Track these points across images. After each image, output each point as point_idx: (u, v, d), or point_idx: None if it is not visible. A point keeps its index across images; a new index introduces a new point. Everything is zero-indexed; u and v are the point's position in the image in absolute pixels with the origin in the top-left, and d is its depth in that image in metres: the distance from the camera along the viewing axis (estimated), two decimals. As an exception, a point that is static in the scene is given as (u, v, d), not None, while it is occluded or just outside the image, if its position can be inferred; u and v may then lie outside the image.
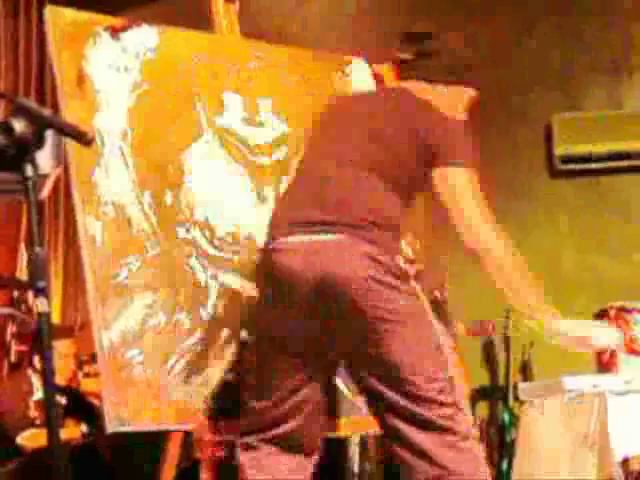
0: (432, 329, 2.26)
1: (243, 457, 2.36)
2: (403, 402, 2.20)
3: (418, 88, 2.45)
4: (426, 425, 2.19)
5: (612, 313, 3.48)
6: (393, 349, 2.20)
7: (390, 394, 2.21)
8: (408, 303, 2.24)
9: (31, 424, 3.83)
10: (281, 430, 2.32)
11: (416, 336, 2.23)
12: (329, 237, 2.24)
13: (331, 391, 2.43)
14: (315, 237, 2.24)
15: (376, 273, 2.20)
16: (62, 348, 3.99)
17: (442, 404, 2.20)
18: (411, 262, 2.34)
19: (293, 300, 2.25)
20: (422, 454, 2.19)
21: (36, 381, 3.86)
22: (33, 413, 3.85)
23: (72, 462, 3.65)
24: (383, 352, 2.20)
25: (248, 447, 2.36)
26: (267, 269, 2.31)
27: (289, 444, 2.34)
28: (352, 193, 2.29)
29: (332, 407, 2.47)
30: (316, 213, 2.27)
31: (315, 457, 2.38)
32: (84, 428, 3.91)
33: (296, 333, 2.27)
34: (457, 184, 2.27)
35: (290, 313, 2.26)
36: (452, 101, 2.44)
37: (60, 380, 3.92)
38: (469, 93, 2.51)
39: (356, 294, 2.19)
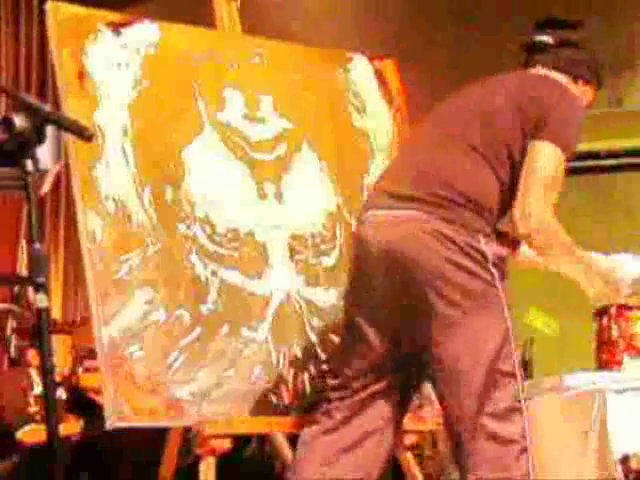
0: (503, 320, 2.21)
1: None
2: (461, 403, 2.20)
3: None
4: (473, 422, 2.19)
5: (613, 310, 3.47)
6: (457, 337, 2.17)
7: (446, 392, 2.22)
8: (483, 290, 2.18)
9: (31, 419, 3.83)
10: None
11: (484, 326, 2.18)
12: (404, 212, 2.22)
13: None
14: (389, 212, 2.25)
15: (449, 254, 2.16)
16: (57, 343, 3.98)
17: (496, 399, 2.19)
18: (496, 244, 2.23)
19: (368, 273, 2.28)
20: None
21: (35, 376, 3.86)
22: (33, 408, 3.85)
23: (72, 458, 3.66)
24: (446, 339, 2.17)
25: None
26: (353, 241, 2.40)
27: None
28: (435, 169, 2.26)
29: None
30: (395, 188, 2.29)
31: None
32: (84, 424, 3.91)
33: (369, 308, 2.30)
34: (536, 158, 2.22)
35: (367, 286, 2.29)
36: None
37: (55, 376, 3.91)
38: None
39: (424, 273, 2.16)
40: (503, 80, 2.42)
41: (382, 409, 2.35)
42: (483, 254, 2.20)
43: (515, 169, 2.28)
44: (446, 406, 2.26)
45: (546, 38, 2.46)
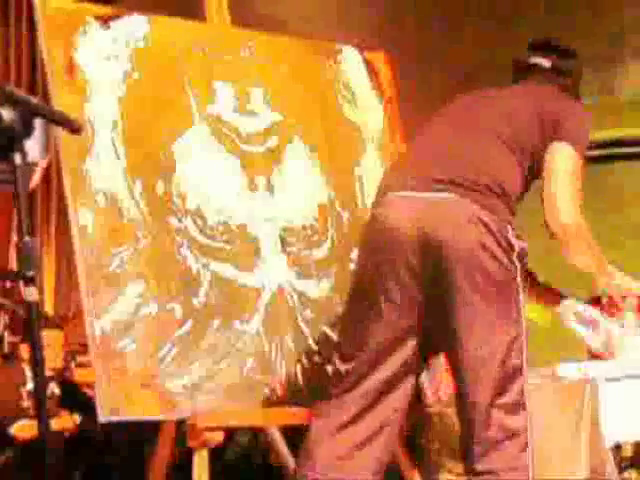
0: (519, 314, 2.27)
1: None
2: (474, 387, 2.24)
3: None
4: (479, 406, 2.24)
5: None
6: (478, 324, 2.22)
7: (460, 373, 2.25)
8: (506, 281, 2.23)
9: (24, 415, 3.82)
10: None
11: (502, 316, 2.24)
12: (441, 195, 2.26)
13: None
14: (426, 194, 2.27)
15: (484, 239, 2.21)
16: (48, 339, 3.98)
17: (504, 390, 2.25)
18: (518, 237, 2.29)
19: (393, 253, 2.26)
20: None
21: (29, 372, 3.85)
22: (26, 403, 3.85)
23: (66, 452, 3.66)
24: (469, 325, 2.22)
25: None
26: (373, 221, 2.34)
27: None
28: (471, 157, 2.31)
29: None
30: (430, 172, 2.30)
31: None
32: (78, 419, 3.91)
33: (391, 287, 2.28)
34: (557, 159, 2.33)
35: (390, 265, 2.27)
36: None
37: (47, 371, 3.91)
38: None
39: (458, 255, 2.20)
40: (518, 89, 2.54)
41: (395, 399, 2.36)
42: (511, 245, 2.26)
43: (532, 167, 2.37)
44: (462, 392, 2.29)
45: (543, 61, 2.56)
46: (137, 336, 2.50)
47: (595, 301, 3.63)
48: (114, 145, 2.63)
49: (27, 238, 1.61)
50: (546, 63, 2.55)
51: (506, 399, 2.26)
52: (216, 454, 2.59)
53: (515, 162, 2.35)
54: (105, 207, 2.55)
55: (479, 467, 2.25)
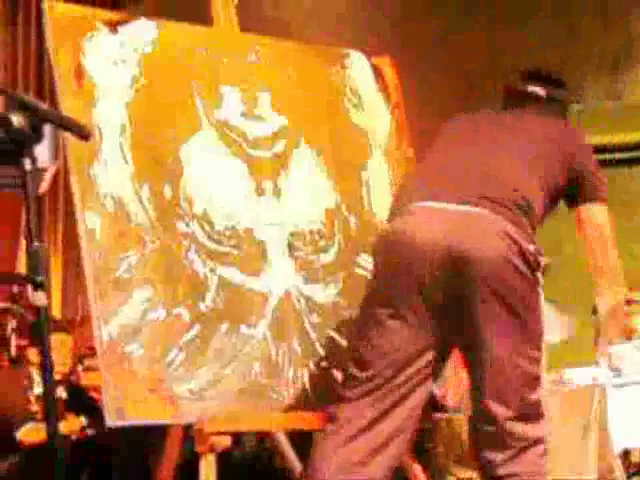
0: (540, 326, 2.34)
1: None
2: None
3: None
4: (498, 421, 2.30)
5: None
6: (503, 336, 2.27)
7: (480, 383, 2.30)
8: (530, 295, 2.30)
9: (32, 418, 3.83)
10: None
11: (522, 329, 2.30)
12: (473, 209, 2.31)
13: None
14: (459, 207, 2.31)
15: (511, 255, 2.26)
16: (56, 343, 3.98)
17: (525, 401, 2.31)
18: (540, 254, 2.39)
19: (419, 264, 2.28)
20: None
21: (36, 375, 3.86)
22: (34, 407, 3.86)
23: (73, 455, 3.66)
24: (493, 338, 2.27)
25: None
26: (396, 231, 2.36)
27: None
28: (502, 175, 2.38)
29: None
30: (462, 186, 2.34)
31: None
32: (85, 422, 3.91)
33: (415, 299, 2.30)
34: (602, 222, 2.57)
35: (410, 279, 2.29)
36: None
37: (55, 375, 3.91)
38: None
39: (485, 269, 2.25)
40: (531, 118, 2.60)
41: (410, 405, 2.37)
42: (537, 261, 2.33)
43: (552, 195, 2.48)
44: (482, 404, 2.33)
45: (538, 90, 2.63)
46: (144, 341, 2.50)
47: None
48: (122, 150, 2.63)
49: (36, 243, 1.62)
50: (541, 92, 2.64)
51: (528, 410, 2.32)
52: (222, 457, 2.59)
53: (540, 186, 2.43)
54: (113, 211, 2.56)
55: (500, 471, 2.32)
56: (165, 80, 2.76)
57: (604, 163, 4.93)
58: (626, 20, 4.95)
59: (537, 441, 2.33)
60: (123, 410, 2.42)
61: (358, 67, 3.16)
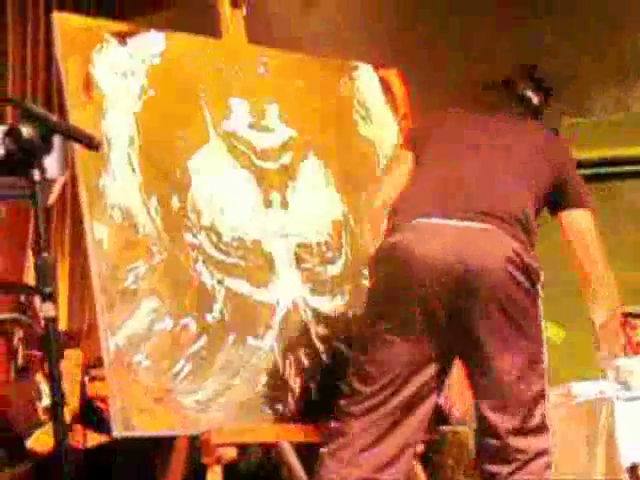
0: (541, 340, 2.36)
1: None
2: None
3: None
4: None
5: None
6: (508, 351, 2.28)
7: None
8: (531, 308, 2.32)
9: (39, 426, 3.83)
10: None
11: (524, 342, 2.31)
12: (479, 225, 2.32)
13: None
14: (457, 223, 2.32)
15: (513, 269, 2.28)
16: (68, 360, 3.98)
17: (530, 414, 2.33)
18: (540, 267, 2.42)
19: (423, 280, 2.28)
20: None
21: (45, 387, 3.85)
22: (42, 418, 3.86)
23: (79, 466, 3.66)
24: (498, 352, 2.28)
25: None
26: (397, 246, 2.35)
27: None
28: (502, 190, 2.40)
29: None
30: (461, 202, 2.35)
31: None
32: (91, 433, 3.91)
33: (419, 315, 2.31)
34: (585, 228, 2.54)
35: (414, 295, 2.29)
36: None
37: (72, 399, 3.90)
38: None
39: (487, 283, 2.26)
40: (523, 127, 2.62)
41: (416, 419, 2.37)
42: (538, 275, 2.35)
43: (540, 203, 2.50)
44: (486, 418, 2.32)
45: (532, 96, 2.69)
46: (151, 352, 2.50)
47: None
48: (130, 161, 2.64)
49: (44, 254, 1.62)
50: (535, 99, 2.68)
51: (532, 423, 2.32)
52: (228, 468, 2.59)
53: (532, 199, 2.44)
54: (120, 222, 2.56)
55: None
56: (173, 91, 2.77)
57: (612, 176, 4.94)
58: (635, 32, 4.95)
59: (541, 453, 2.33)
60: (130, 421, 2.42)
61: (366, 79, 3.17)
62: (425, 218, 2.36)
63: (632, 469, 2.86)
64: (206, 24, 3.13)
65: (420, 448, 2.80)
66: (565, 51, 5.06)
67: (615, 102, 4.99)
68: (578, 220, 2.54)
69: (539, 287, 2.37)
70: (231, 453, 2.50)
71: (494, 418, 2.30)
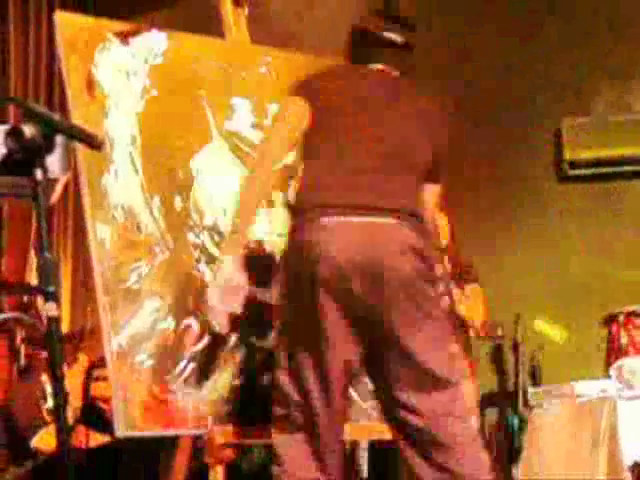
0: (444, 320, 2.38)
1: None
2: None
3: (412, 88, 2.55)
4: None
5: (621, 318, 3.47)
6: (423, 340, 2.30)
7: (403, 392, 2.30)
8: (433, 294, 2.34)
9: (44, 425, 3.83)
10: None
11: (437, 338, 2.33)
12: (382, 220, 2.32)
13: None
14: (367, 219, 2.31)
15: (419, 264, 2.30)
16: (78, 365, 3.97)
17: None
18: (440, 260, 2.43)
19: (335, 282, 2.27)
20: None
21: (50, 388, 3.85)
22: (47, 417, 3.86)
23: (82, 466, 3.66)
24: (413, 341, 2.29)
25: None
26: (305, 245, 2.31)
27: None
28: (397, 184, 2.38)
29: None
30: (367, 198, 2.33)
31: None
32: (94, 433, 3.91)
33: (335, 318, 2.29)
34: (437, 200, 2.59)
35: (327, 298, 2.28)
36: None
37: (76, 399, 3.90)
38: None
39: (398, 279, 2.27)
40: (402, 93, 2.51)
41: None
42: (434, 264, 2.38)
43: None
44: (399, 395, 2.32)
45: (395, 37, 2.51)
46: (154, 352, 2.50)
47: (612, 319, 3.61)
48: (132, 160, 2.64)
49: (47, 254, 1.62)
50: (399, 39, 2.52)
51: (446, 396, 2.32)
52: (230, 468, 2.58)
53: (420, 183, 2.46)
54: (123, 222, 2.56)
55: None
56: (176, 91, 2.77)
57: (612, 176, 4.94)
58: (637, 31, 4.95)
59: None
60: (133, 421, 2.42)
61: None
62: (330, 217, 2.32)
63: (634, 467, 2.86)
64: (208, 23, 3.13)
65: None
66: (567, 52, 5.06)
67: (617, 103, 4.98)
68: (436, 193, 2.57)
69: (444, 278, 2.42)
70: (229, 453, 2.50)
71: (412, 403, 2.31)
